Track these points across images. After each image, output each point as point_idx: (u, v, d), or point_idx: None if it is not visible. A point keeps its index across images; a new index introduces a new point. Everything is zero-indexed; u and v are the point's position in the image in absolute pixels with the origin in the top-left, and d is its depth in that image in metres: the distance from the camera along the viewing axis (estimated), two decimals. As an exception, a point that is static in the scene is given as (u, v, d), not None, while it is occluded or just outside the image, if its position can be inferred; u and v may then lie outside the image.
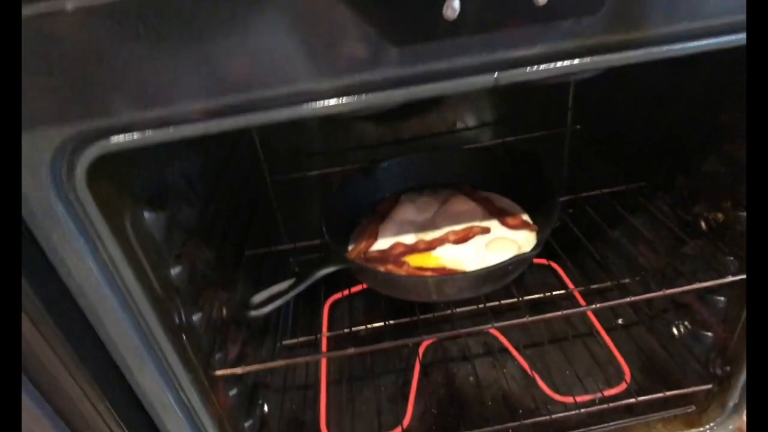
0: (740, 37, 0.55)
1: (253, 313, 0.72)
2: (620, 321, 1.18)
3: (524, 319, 0.78)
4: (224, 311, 0.85)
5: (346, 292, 1.17)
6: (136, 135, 0.49)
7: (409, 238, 0.95)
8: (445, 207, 1.02)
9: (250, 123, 0.52)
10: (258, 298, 0.74)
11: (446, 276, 0.76)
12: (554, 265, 1.31)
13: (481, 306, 1.19)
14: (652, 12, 0.51)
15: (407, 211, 1.02)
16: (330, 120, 1.31)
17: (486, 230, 0.93)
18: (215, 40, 0.46)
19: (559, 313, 0.86)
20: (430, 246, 0.91)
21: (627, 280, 1.18)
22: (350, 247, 0.95)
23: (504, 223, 0.95)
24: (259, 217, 1.16)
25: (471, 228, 0.93)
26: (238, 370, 0.74)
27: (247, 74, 0.48)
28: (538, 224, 0.92)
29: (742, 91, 0.76)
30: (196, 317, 0.74)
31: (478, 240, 0.91)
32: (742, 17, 0.52)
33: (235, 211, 1.02)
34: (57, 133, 0.48)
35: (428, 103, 1.34)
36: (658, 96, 1.00)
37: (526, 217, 0.97)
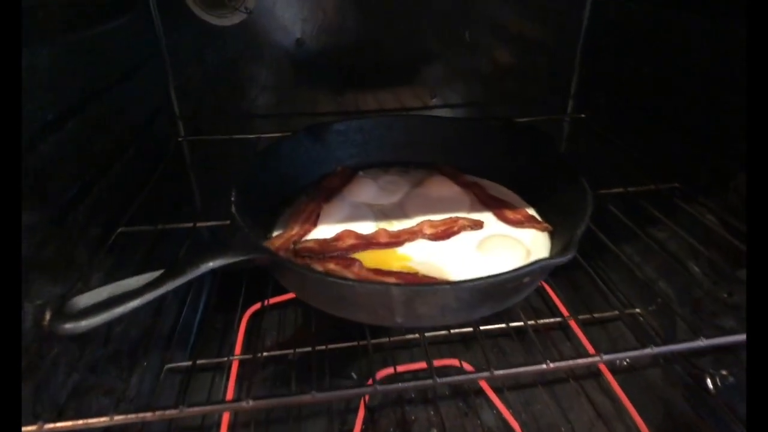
0: None
1: (68, 326, 0.38)
2: (627, 361, 0.92)
3: (528, 368, 0.49)
4: (47, 316, 0.51)
5: (273, 299, 0.84)
6: None
7: (365, 227, 0.64)
8: (420, 189, 0.73)
9: None
10: (86, 299, 0.41)
11: (423, 286, 0.45)
12: (544, 284, 1.04)
13: (452, 332, 0.91)
14: None
15: (365, 191, 0.72)
16: (275, 77, 1.00)
17: (477, 224, 0.64)
18: None
19: (570, 362, 0.57)
20: (396, 239, 0.61)
21: (637, 310, 0.92)
22: (275, 233, 0.64)
23: (502, 217, 0.66)
24: (161, 185, 0.82)
25: (456, 220, 0.64)
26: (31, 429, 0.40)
27: None
28: (552, 222, 0.64)
29: None
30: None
31: (467, 237, 0.62)
32: None
33: (109, 167, 0.68)
34: None
35: (401, 69, 1.06)
36: (704, 65, 0.75)
37: (531, 211, 0.68)
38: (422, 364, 0.88)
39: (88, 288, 0.58)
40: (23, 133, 0.50)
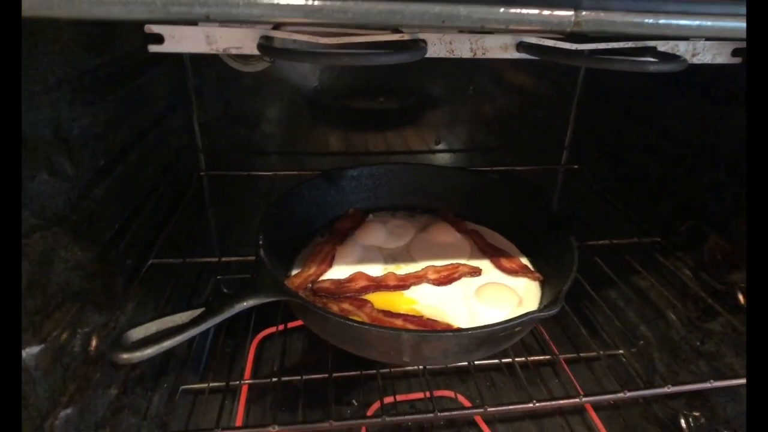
0: None
1: (125, 356, 0.45)
2: (611, 401, 0.98)
3: (518, 406, 0.55)
4: (94, 343, 0.57)
5: (281, 326, 0.91)
6: None
7: (375, 269, 0.71)
8: (424, 235, 0.80)
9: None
10: (137, 333, 0.48)
11: (430, 333, 0.53)
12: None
13: (449, 365, 0.97)
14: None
15: (376, 234, 0.79)
16: (292, 118, 1.08)
17: (476, 271, 0.71)
18: None
19: (553, 403, 0.65)
20: (403, 283, 0.68)
21: (620, 351, 0.99)
22: (294, 272, 0.71)
23: (498, 265, 0.73)
24: (183, 218, 0.89)
25: (457, 266, 0.71)
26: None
27: None
28: (543, 273, 0.71)
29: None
30: (30, 352, 0.46)
31: (466, 283, 0.69)
32: None
33: (143, 204, 0.75)
34: None
35: (409, 115, 1.14)
36: (686, 135, 0.84)
37: (525, 260, 0.76)
38: (420, 394, 0.93)
39: (126, 316, 0.65)
40: (80, 180, 0.58)
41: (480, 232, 0.82)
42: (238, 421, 0.87)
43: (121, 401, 0.64)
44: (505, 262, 0.74)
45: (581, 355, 0.97)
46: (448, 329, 0.54)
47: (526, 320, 0.51)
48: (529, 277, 0.71)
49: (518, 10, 0.29)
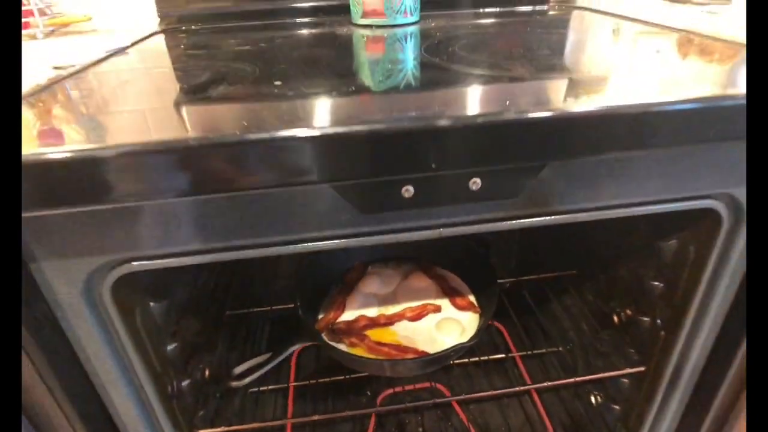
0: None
1: (234, 383, 0.85)
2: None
3: (486, 393, 0.94)
4: (207, 372, 0.98)
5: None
6: (154, 262, 0.62)
7: (371, 312, 1.10)
8: (406, 282, 1.18)
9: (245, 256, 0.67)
10: (239, 369, 0.88)
11: (398, 360, 0.91)
12: (501, 328, 1.48)
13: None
14: (554, 200, 0.68)
15: (372, 284, 1.17)
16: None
17: (437, 309, 1.09)
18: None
19: (512, 389, 1.03)
20: (389, 321, 1.06)
21: (560, 348, 1.36)
22: (320, 316, 1.10)
23: (453, 303, 1.11)
24: (238, 278, 1.29)
25: (425, 306, 1.09)
26: (218, 431, 0.87)
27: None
28: (482, 307, 1.09)
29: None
30: (185, 383, 0.87)
31: (431, 318, 1.07)
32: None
33: (219, 275, 1.15)
34: (92, 260, 0.61)
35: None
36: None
37: (472, 297, 1.13)
38: (412, 387, 1.33)
39: (219, 352, 1.06)
40: (193, 275, 0.97)
41: (445, 276, 1.19)
42: (289, 413, 1.28)
43: (220, 404, 1.04)
44: (458, 300, 1.11)
45: (533, 352, 1.35)
46: (407, 358, 0.92)
47: (453, 350, 0.89)
48: (472, 311, 1.08)
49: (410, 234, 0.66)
